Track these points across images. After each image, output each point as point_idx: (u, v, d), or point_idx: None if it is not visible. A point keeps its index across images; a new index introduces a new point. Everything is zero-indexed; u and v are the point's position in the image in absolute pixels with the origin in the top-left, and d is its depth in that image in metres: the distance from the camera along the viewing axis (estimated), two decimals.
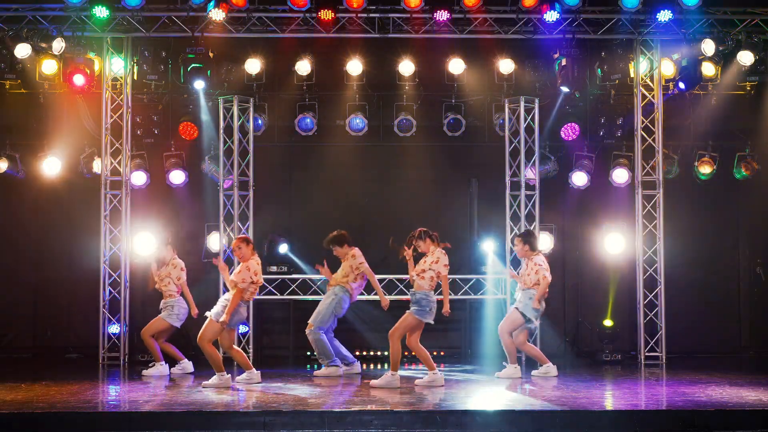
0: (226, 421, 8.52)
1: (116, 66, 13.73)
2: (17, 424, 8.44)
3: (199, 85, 13.37)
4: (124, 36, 13.52)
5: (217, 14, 12.84)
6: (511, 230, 13.61)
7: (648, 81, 13.84)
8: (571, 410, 8.80)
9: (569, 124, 14.15)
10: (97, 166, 14.03)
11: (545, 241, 14.05)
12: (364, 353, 13.75)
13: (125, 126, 13.69)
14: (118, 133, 13.71)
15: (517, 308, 11.55)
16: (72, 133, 14.34)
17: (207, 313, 10.71)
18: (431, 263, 10.46)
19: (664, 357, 13.50)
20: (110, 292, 13.54)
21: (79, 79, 13.05)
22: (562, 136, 14.23)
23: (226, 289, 13.44)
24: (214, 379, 10.50)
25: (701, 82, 13.60)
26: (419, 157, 14.51)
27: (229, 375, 10.66)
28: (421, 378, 10.69)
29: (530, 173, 13.74)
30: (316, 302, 13.48)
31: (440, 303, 10.50)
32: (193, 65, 13.10)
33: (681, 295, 14.29)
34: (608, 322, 13.96)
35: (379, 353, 13.79)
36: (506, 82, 14.27)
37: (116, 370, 12.77)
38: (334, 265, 12.10)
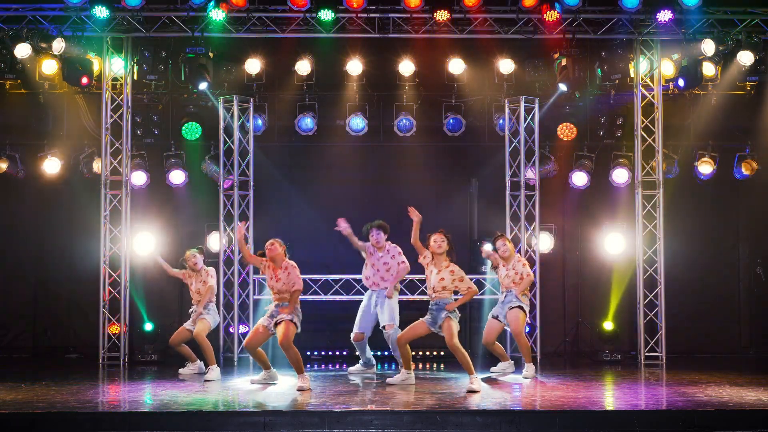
0: (226, 421, 8.53)
1: (116, 66, 13.72)
2: (17, 424, 8.45)
3: (203, 86, 13.41)
4: (124, 36, 13.51)
5: (217, 14, 12.85)
6: (511, 230, 13.62)
7: (648, 81, 13.83)
8: (571, 410, 8.80)
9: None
10: (97, 166, 14.03)
11: (545, 241, 14.07)
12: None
13: (125, 126, 13.69)
14: (118, 133, 13.71)
15: (521, 307, 11.55)
16: (72, 133, 14.37)
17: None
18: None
19: (664, 357, 13.50)
20: (110, 292, 13.54)
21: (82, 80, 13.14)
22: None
23: (226, 290, 13.51)
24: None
25: (701, 82, 13.60)
26: (419, 157, 14.51)
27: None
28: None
29: (530, 173, 13.75)
30: (316, 302, 13.51)
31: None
32: (197, 66, 13.15)
33: (681, 295, 14.29)
34: (609, 325, 13.95)
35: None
36: (506, 82, 14.27)
37: (116, 370, 12.76)
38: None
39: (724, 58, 13.38)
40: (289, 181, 14.56)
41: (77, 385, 10.63)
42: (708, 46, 13.00)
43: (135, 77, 13.78)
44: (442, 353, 13.91)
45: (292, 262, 10.55)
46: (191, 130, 14.13)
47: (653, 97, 13.77)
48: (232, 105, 13.62)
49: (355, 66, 13.90)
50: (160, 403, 9.48)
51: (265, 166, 14.20)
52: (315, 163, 14.61)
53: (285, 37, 13.52)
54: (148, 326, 13.70)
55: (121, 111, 13.70)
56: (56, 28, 13.02)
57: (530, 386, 10.76)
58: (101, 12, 12.78)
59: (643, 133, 13.82)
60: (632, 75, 13.76)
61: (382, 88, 14.44)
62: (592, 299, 14.56)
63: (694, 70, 13.21)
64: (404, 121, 14.21)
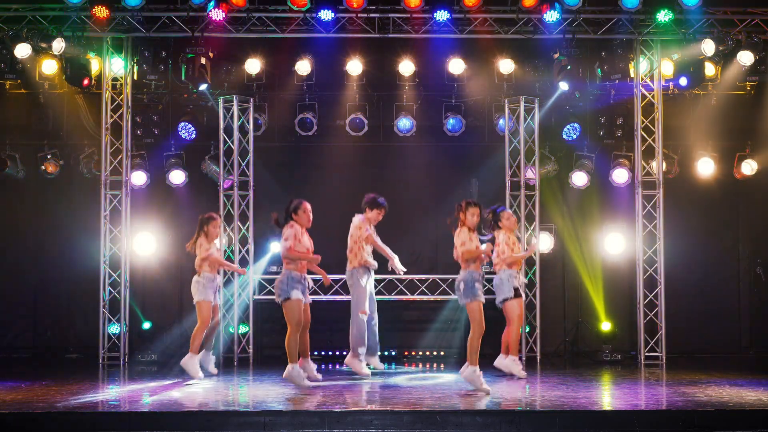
0: (226, 421, 8.52)
1: (116, 66, 13.72)
2: (17, 424, 8.45)
3: (203, 86, 13.41)
4: (124, 36, 13.51)
5: (217, 14, 12.85)
6: None
7: (648, 81, 13.83)
8: (571, 410, 8.80)
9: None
10: (97, 166, 14.03)
11: (545, 241, 14.07)
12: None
13: (125, 126, 13.69)
14: (118, 133, 13.71)
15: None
16: (72, 133, 14.37)
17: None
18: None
19: (664, 357, 13.50)
20: (110, 292, 13.54)
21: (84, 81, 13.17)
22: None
23: (226, 290, 13.51)
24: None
25: (703, 81, 13.60)
26: (419, 157, 14.52)
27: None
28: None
29: (530, 173, 13.75)
30: (317, 302, 13.46)
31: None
32: (198, 67, 13.15)
33: (681, 295, 14.29)
34: (606, 325, 13.94)
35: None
36: (506, 82, 14.28)
37: (116, 370, 12.77)
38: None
39: (724, 58, 13.40)
40: (289, 181, 14.54)
41: (77, 385, 10.63)
42: (708, 46, 13.00)
43: (135, 77, 13.78)
44: (442, 353, 13.92)
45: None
46: (187, 131, 14.12)
47: (653, 97, 13.77)
48: (232, 105, 13.63)
49: (355, 66, 13.90)
50: (160, 403, 9.48)
51: (265, 166, 14.19)
52: (315, 163, 14.61)
53: (285, 37, 13.52)
54: (146, 325, 13.73)
55: (121, 111, 13.71)
56: (56, 28, 13.00)
57: (530, 386, 10.77)
58: (101, 12, 12.78)
59: (643, 133, 13.82)
60: (632, 75, 13.75)
61: (382, 88, 14.45)
62: (592, 299, 14.56)
63: (696, 68, 13.21)
64: (404, 121, 14.21)
